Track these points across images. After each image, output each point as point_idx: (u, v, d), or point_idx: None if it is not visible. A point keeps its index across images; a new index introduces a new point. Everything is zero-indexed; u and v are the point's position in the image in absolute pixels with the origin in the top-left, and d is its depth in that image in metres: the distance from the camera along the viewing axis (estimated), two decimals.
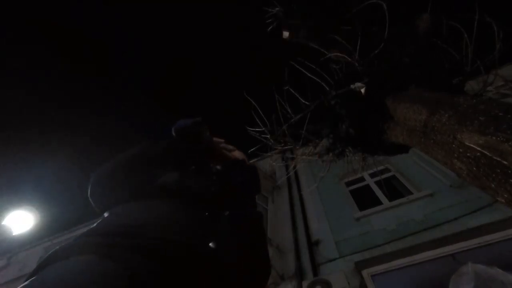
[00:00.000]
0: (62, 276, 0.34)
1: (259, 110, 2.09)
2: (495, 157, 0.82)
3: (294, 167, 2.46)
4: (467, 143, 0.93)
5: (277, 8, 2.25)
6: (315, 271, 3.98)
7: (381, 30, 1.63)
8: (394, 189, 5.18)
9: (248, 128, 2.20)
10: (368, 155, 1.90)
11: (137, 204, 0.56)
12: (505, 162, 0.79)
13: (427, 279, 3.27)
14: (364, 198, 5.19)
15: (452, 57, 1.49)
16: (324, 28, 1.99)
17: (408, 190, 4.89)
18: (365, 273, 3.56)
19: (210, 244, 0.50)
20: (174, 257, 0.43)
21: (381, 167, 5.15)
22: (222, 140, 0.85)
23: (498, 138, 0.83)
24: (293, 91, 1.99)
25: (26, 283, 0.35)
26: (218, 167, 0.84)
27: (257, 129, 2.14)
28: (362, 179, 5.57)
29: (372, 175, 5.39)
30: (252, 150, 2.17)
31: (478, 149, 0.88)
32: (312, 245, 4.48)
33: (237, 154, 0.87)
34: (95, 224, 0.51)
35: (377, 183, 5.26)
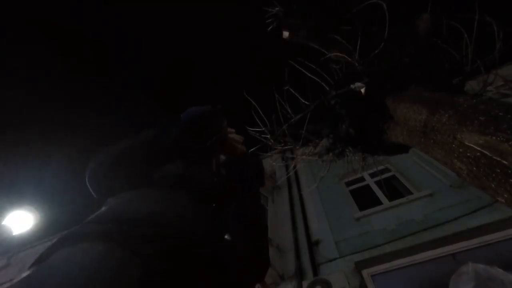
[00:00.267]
0: (70, 263, 0.33)
1: (259, 110, 2.09)
2: (495, 157, 0.82)
3: (294, 167, 2.46)
4: (467, 143, 0.93)
5: (277, 8, 2.25)
6: (315, 271, 3.98)
7: (381, 30, 1.63)
8: (394, 189, 5.18)
9: (248, 128, 2.20)
10: (368, 155, 1.90)
11: (143, 192, 0.54)
12: (505, 162, 0.79)
13: (427, 279, 3.27)
14: (364, 198, 5.18)
15: (452, 57, 1.49)
16: (324, 28, 1.99)
17: (408, 190, 4.89)
18: (365, 273, 3.56)
19: (226, 236, 0.50)
20: (185, 247, 0.42)
21: (381, 167, 5.15)
22: (233, 130, 0.80)
23: (498, 138, 0.83)
24: (293, 91, 1.99)
25: (32, 269, 0.34)
26: (223, 157, 0.80)
27: (257, 129, 2.14)
28: (362, 179, 5.57)
29: (372, 175, 5.39)
30: (252, 150, 2.17)
31: (478, 149, 0.88)
32: (312, 245, 4.48)
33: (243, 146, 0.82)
34: (101, 210, 0.50)
35: (377, 183, 5.26)
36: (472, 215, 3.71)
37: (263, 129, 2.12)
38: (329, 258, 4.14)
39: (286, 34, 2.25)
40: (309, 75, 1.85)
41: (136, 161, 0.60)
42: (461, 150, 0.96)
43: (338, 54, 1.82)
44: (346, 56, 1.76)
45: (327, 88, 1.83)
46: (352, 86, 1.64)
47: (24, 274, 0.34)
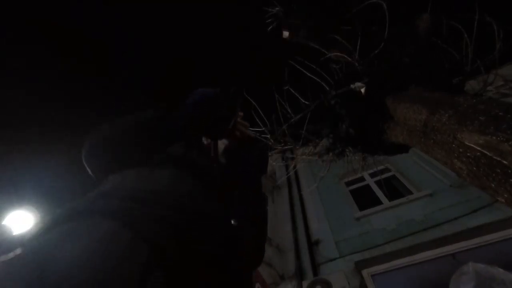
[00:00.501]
0: (74, 240, 0.30)
1: (259, 110, 2.09)
2: (495, 157, 0.82)
3: (294, 167, 2.47)
4: (467, 143, 0.93)
5: (277, 8, 2.25)
6: (315, 271, 3.98)
7: (381, 30, 1.63)
8: (394, 189, 5.18)
9: (248, 128, 2.20)
10: (368, 155, 1.90)
11: (147, 171, 0.50)
12: (505, 162, 0.79)
13: (427, 279, 3.27)
14: (364, 198, 5.19)
15: (452, 57, 1.49)
16: (324, 28, 1.99)
17: (408, 190, 4.89)
18: (365, 273, 3.56)
19: (232, 221, 0.48)
20: (194, 229, 0.40)
21: (381, 167, 5.15)
22: (242, 114, 0.75)
23: (498, 138, 0.83)
24: (293, 91, 1.99)
25: (31, 244, 0.32)
26: (226, 143, 0.74)
27: (257, 129, 2.15)
28: (362, 179, 5.57)
29: (372, 175, 5.39)
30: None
31: (478, 149, 0.88)
32: (312, 245, 4.48)
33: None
34: (104, 186, 0.46)
35: (377, 183, 5.26)
36: (472, 215, 3.71)
37: (263, 129, 2.12)
38: (329, 258, 4.14)
39: (286, 34, 2.25)
40: (309, 75, 1.85)
41: (139, 140, 0.56)
42: (461, 150, 0.96)
43: (338, 54, 1.83)
44: (346, 56, 1.76)
45: (327, 88, 1.83)
46: (352, 86, 1.64)
47: (20, 250, 0.32)
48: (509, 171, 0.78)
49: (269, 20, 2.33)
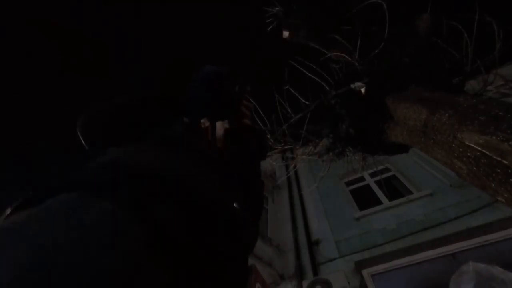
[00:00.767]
0: (68, 214, 0.27)
1: (259, 110, 2.09)
2: (495, 157, 0.82)
3: (294, 166, 2.47)
4: (467, 143, 0.94)
5: (277, 8, 2.26)
6: (315, 271, 3.98)
7: (381, 30, 1.64)
8: (394, 189, 5.18)
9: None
10: (368, 155, 1.90)
11: (147, 146, 0.47)
12: (505, 162, 0.79)
13: (427, 279, 3.27)
14: (364, 198, 5.19)
15: (452, 57, 1.49)
16: (324, 28, 1.99)
17: (408, 189, 4.89)
18: (365, 272, 3.57)
19: (234, 204, 0.44)
20: (201, 211, 0.37)
21: (381, 167, 5.17)
22: (249, 89, 0.73)
23: (498, 138, 0.83)
24: (293, 91, 1.99)
25: (20, 214, 0.28)
26: (227, 125, 0.71)
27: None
28: (362, 178, 5.57)
29: (372, 175, 5.39)
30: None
31: (478, 148, 0.89)
32: (312, 244, 4.48)
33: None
34: (103, 158, 0.42)
35: (377, 182, 5.26)
36: (472, 215, 3.71)
37: (263, 129, 2.12)
38: (329, 257, 4.15)
39: (286, 34, 2.25)
40: (309, 75, 1.85)
41: (138, 115, 0.54)
42: (461, 149, 0.96)
43: (338, 54, 1.83)
44: (346, 56, 1.76)
45: (327, 88, 1.83)
46: (352, 86, 1.64)
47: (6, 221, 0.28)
48: (509, 170, 0.78)
49: (269, 20, 2.33)
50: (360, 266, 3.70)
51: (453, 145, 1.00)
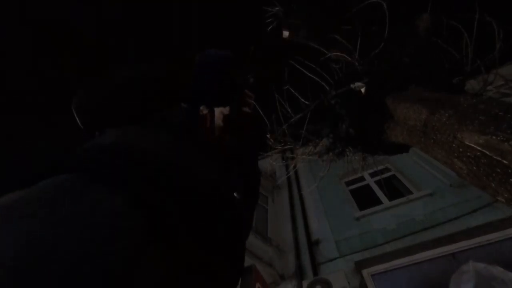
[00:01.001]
0: (62, 195, 0.25)
1: (259, 110, 2.09)
2: (495, 157, 0.82)
3: (294, 166, 2.47)
4: (467, 143, 0.94)
5: (277, 8, 2.26)
6: (315, 271, 3.98)
7: (381, 30, 1.64)
8: (394, 189, 5.18)
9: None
10: (368, 155, 1.90)
11: (147, 130, 0.44)
12: (505, 162, 0.79)
13: (428, 279, 3.27)
14: (364, 198, 5.19)
15: (452, 57, 1.49)
16: (324, 28, 1.99)
17: (408, 189, 4.89)
18: (365, 272, 3.56)
19: (235, 194, 0.43)
20: (202, 201, 0.36)
21: (381, 167, 5.17)
22: (252, 80, 0.70)
23: (498, 138, 0.83)
24: (293, 91, 1.99)
25: (15, 193, 0.26)
26: (226, 112, 0.67)
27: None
28: (362, 178, 5.57)
29: (372, 175, 5.39)
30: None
31: (478, 148, 0.89)
32: (312, 244, 4.48)
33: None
34: (102, 139, 0.39)
35: (377, 182, 5.26)
36: (472, 215, 3.71)
37: (265, 134, 2.12)
38: (329, 257, 4.15)
39: (286, 34, 2.25)
40: (309, 75, 1.85)
41: (140, 96, 0.50)
42: (461, 149, 0.96)
43: (338, 54, 1.83)
44: (346, 56, 1.76)
45: (327, 88, 1.83)
46: (352, 86, 1.64)
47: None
48: (509, 170, 0.78)
49: (269, 20, 2.33)
50: (360, 266, 3.70)
51: (453, 145, 1.00)
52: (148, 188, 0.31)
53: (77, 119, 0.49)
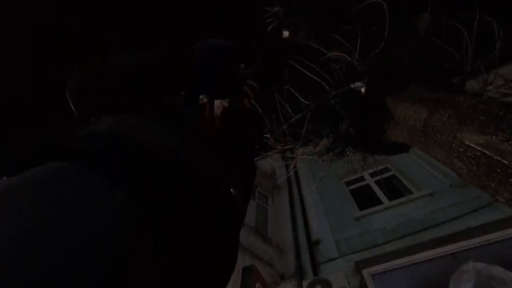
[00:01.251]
0: (59, 184, 0.24)
1: (259, 110, 2.09)
2: (495, 157, 0.82)
3: (294, 166, 2.47)
4: (467, 143, 0.94)
5: (277, 8, 2.26)
6: (315, 271, 3.98)
7: (381, 30, 1.64)
8: (394, 189, 5.19)
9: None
10: (368, 155, 1.90)
11: (144, 120, 0.42)
12: (505, 162, 0.79)
13: (427, 279, 3.27)
14: (364, 198, 5.19)
15: (452, 57, 1.49)
16: (324, 28, 1.99)
17: (408, 189, 4.89)
18: (365, 272, 3.57)
19: (231, 189, 0.42)
20: (200, 195, 0.34)
21: (381, 167, 5.17)
22: (254, 72, 0.68)
23: (499, 138, 0.83)
24: (293, 91, 1.99)
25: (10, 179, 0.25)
26: (226, 104, 0.69)
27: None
28: (362, 178, 5.57)
29: (372, 175, 5.39)
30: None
31: (479, 148, 0.89)
32: (312, 244, 4.48)
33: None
34: (99, 126, 0.38)
35: (377, 182, 5.26)
36: (472, 215, 3.71)
37: (264, 128, 2.12)
38: (329, 257, 4.15)
39: (286, 34, 2.25)
40: (309, 75, 1.85)
41: (139, 83, 0.48)
42: (461, 149, 0.97)
43: (338, 53, 1.83)
44: (346, 56, 1.76)
45: (327, 88, 1.83)
46: (352, 86, 1.64)
47: None
48: (509, 170, 0.78)
49: (269, 19, 2.33)
50: (360, 266, 3.70)
51: (453, 145, 1.00)
52: (148, 181, 0.29)
53: (70, 103, 0.47)
